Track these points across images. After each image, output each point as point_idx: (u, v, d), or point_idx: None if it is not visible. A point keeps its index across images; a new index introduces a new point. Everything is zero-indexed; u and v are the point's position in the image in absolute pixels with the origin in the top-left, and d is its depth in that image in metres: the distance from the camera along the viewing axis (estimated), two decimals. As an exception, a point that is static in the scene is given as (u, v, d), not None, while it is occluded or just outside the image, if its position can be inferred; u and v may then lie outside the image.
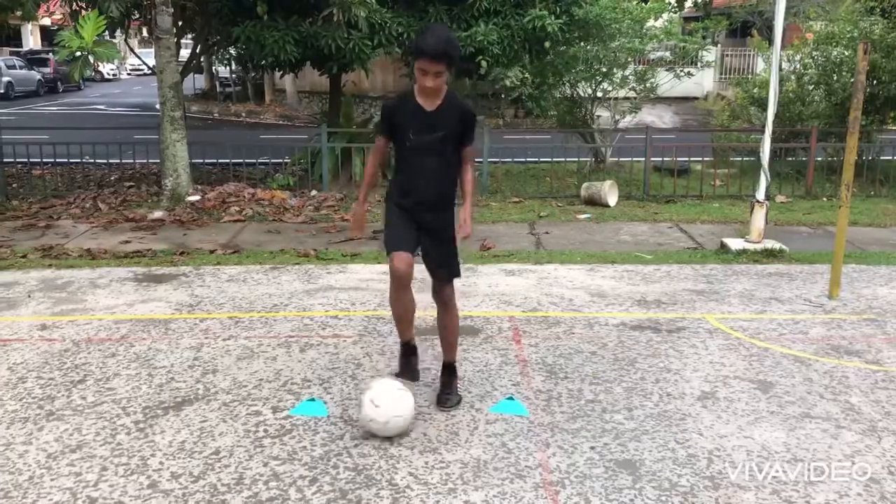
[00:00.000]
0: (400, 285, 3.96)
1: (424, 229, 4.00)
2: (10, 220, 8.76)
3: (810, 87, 11.80)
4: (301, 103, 25.54)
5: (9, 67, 28.21)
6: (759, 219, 7.40)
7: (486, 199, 10.03)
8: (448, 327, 4.18)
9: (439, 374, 4.25)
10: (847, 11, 12.05)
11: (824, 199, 10.17)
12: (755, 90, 12.14)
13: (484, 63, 10.21)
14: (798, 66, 11.87)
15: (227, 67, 28.13)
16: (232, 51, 15.59)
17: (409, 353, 4.29)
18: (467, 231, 3.92)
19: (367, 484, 3.37)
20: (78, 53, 7.88)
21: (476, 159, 10.74)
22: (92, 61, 8.30)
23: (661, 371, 4.59)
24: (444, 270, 4.07)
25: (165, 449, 3.65)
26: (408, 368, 4.29)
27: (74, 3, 10.13)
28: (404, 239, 3.94)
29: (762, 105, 11.14)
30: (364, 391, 3.85)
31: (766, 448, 3.70)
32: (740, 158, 11.55)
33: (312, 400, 4.14)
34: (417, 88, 3.91)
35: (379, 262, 7.01)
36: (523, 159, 11.75)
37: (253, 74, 26.77)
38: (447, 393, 4.15)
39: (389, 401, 3.72)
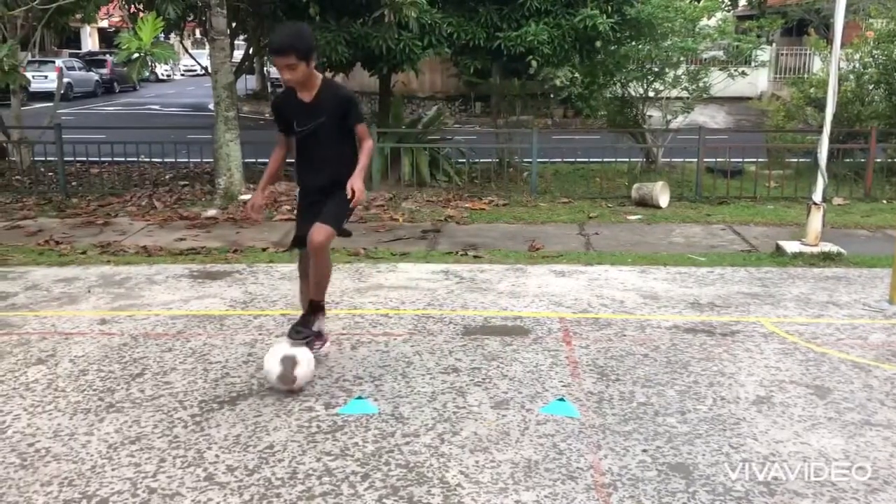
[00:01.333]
0: (314, 251, 4.31)
1: (311, 210, 4.37)
2: (71, 217, 9.02)
3: (870, 87, 11.52)
4: (351, 103, 25.73)
5: (68, 69, 28.99)
6: (815, 221, 7.24)
7: (534, 200, 10.00)
8: (313, 275, 4.43)
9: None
10: (909, 9, 11.72)
11: (884, 201, 9.92)
12: (811, 90, 11.89)
13: (534, 63, 10.18)
14: (857, 65, 11.58)
15: (279, 68, 28.48)
16: (283, 52, 15.80)
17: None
18: (357, 198, 4.17)
19: (419, 481, 3.38)
20: (136, 55, 8.06)
21: (525, 159, 10.75)
22: (150, 62, 8.49)
23: (715, 375, 4.52)
24: (321, 217, 4.28)
25: (221, 442, 3.72)
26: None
27: (133, 6, 10.39)
28: (302, 227, 4.38)
29: (818, 105, 10.91)
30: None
31: (824, 455, 3.62)
32: (795, 160, 11.33)
33: (360, 398, 4.17)
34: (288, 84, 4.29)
35: (427, 262, 7.05)
36: (572, 159, 11.70)
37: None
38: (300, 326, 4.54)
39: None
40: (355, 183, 4.18)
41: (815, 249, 7.15)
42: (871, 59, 11.45)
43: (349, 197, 4.17)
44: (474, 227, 8.63)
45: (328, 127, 4.28)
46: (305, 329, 4.52)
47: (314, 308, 4.55)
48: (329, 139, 4.31)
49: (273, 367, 4.18)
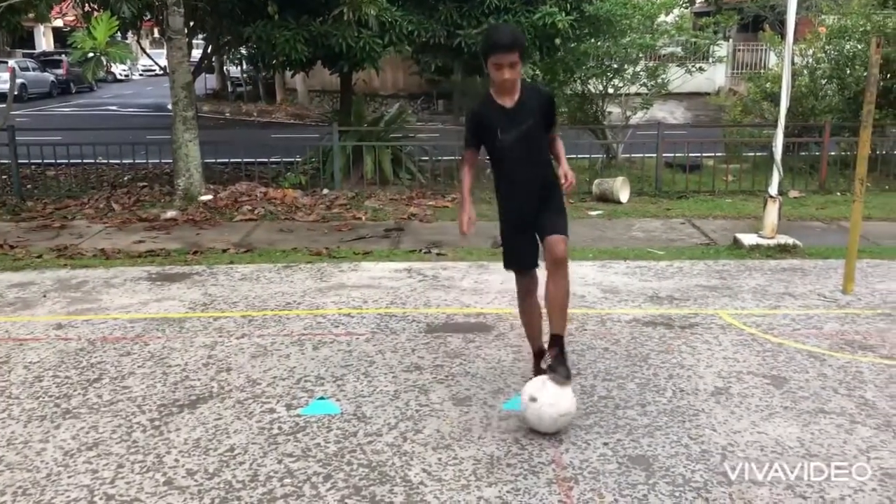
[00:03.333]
0: (522, 296, 4.20)
1: (536, 219, 4.02)
2: (26, 221, 8.84)
3: (823, 82, 11.74)
4: (312, 102, 25.61)
5: (22, 69, 28.39)
6: (772, 214, 7.37)
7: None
8: (554, 295, 3.95)
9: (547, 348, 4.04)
10: (860, 5, 11.97)
11: (838, 193, 10.12)
12: (767, 85, 12.09)
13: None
14: (811, 60, 11.81)
15: (238, 67, 28.23)
16: (243, 50, 15.64)
17: (539, 356, 4.17)
18: (571, 180, 3.99)
19: (381, 480, 3.38)
20: (91, 54, 7.90)
21: (486, 157, 10.80)
22: (105, 62, 8.33)
23: (674, 367, 4.58)
24: (551, 230, 3.98)
25: (181, 446, 3.68)
26: (557, 364, 3.89)
27: (87, 5, 10.20)
28: (521, 256, 4.12)
29: (774, 100, 11.08)
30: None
31: (781, 443, 3.69)
32: (753, 153, 11.51)
33: (322, 398, 4.15)
34: (495, 89, 3.91)
35: (390, 261, 7.03)
36: (534, 156, 11.73)
37: (264, 74, 26.82)
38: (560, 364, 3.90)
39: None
40: (568, 171, 3.99)
41: (772, 242, 7.27)
42: (823, 54, 11.67)
43: (564, 184, 3.99)
44: (438, 225, 8.63)
45: (532, 131, 3.93)
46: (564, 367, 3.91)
47: (559, 343, 3.94)
48: (533, 144, 3.97)
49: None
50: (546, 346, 4.06)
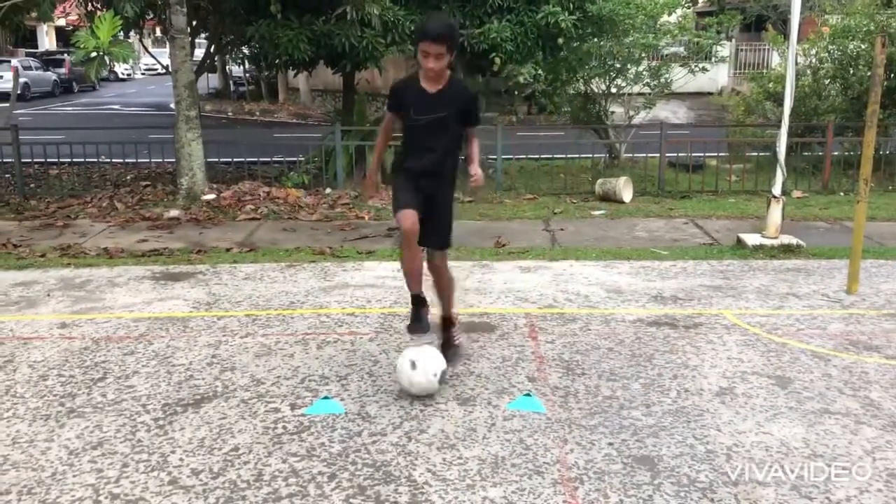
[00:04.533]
0: (408, 241, 4.21)
1: (426, 196, 4.25)
2: (29, 220, 8.84)
3: (826, 82, 11.73)
4: (314, 102, 25.62)
5: (25, 68, 28.41)
6: (775, 214, 7.36)
7: (499, 196, 10.02)
8: (443, 291, 4.54)
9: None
10: (864, 5, 11.95)
11: (841, 193, 10.10)
12: (770, 85, 12.08)
13: (497, 60, 10.20)
14: (814, 60, 11.79)
15: (241, 66, 28.23)
16: (245, 50, 15.63)
17: (419, 304, 4.42)
18: (478, 180, 4.28)
19: (386, 480, 3.38)
20: (94, 54, 7.91)
21: (490, 156, 10.80)
22: (108, 61, 8.34)
23: (679, 367, 4.58)
24: (438, 239, 4.41)
25: (185, 446, 3.67)
26: (417, 318, 4.41)
27: (90, 4, 10.21)
28: (410, 199, 4.21)
29: (777, 100, 11.09)
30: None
31: (786, 444, 3.68)
32: (756, 153, 11.50)
33: (326, 398, 4.15)
34: (422, 73, 4.17)
35: (394, 260, 7.01)
36: (537, 156, 11.76)
37: (266, 73, 26.82)
38: (447, 346, 4.55)
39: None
40: (477, 169, 4.30)
41: (776, 242, 7.27)
42: (826, 54, 11.66)
43: (471, 180, 4.28)
44: (440, 225, 8.61)
45: (444, 121, 4.21)
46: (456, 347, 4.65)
47: (451, 324, 4.65)
48: (442, 133, 4.24)
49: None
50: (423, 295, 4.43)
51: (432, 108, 4.18)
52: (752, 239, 7.38)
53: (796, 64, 7.47)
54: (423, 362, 4.09)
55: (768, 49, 23.28)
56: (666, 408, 4.06)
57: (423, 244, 4.35)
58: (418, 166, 4.27)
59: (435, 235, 4.38)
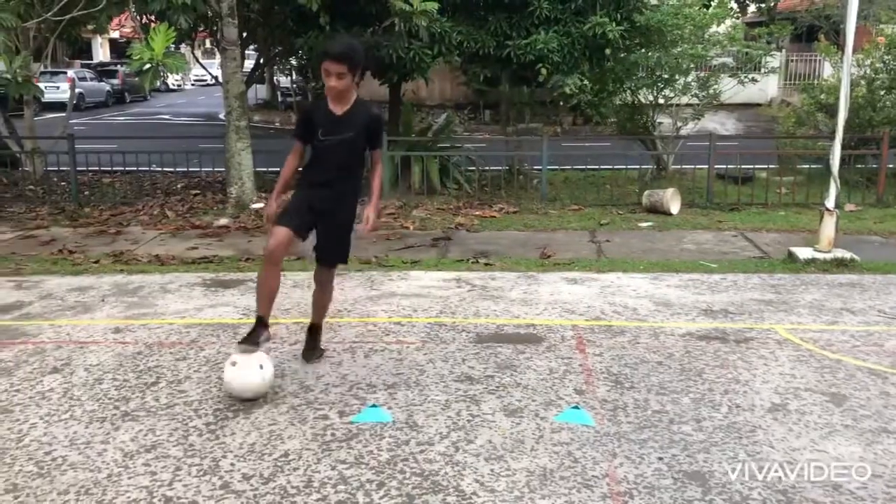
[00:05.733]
0: (270, 260, 4.32)
1: (320, 215, 4.40)
2: (83, 227, 9.06)
3: (882, 93, 11.46)
4: (360, 112, 25.80)
5: (80, 79, 29.18)
6: (828, 227, 7.21)
7: (545, 207, 9.99)
8: (320, 302, 4.76)
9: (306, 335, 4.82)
10: (920, 14, 11.68)
11: (896, 207, 9.86)
12: (822, 96, 11.86)
13: (543, 71, 10.18)
14: (868, 70, 11.54)
15: (288, 77, 28.62)
16: (293, 61, 15.87)
17: (261, 325, 4.37)
18: (370, 226, 4.44)
19: (434, 489, 3.38)
20: (148, 65, 8.11)
21: (535, 167, 10.76)
22: (161, 73, 8.54)
23: (730, 382, 4.51)
24: (329, 255, 4.59)
25: (236, 451, 3.73)
26: (255, 335, 4.33)
27: (145, 17, 10.46)
28: (290, 219, 4.33)
29: (829, 111, 10.88)
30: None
31: (842, 462, 3.60)
32: (807, 166, 11.28)
33: (374, 406, 4.17)
34: (328, 93, 4.33)
35: (439, 270, 7.05)
36: (582, 167, 11.69)
37: (313, 84, 27.15)
38: (311, 349, 4.80)
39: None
40: (371, 214, 4.44)
41: (828, 256, 7.12)
42: (881, 64, 11.41)
43: (360, 228, 4.46)
44: (485, 235, 8.63)
45: (351, 142, 4.38)
46: (316, 351, 4.89)
47: (318, 331, 4.91)
48: (349, 154, 4.42)
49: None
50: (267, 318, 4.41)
51: (339, 128, 4.31)
52: (803, 252, 7.24)
53: (850, 74, 7.32)
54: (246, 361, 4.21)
55: (819, 59, 22.85)
56: (717, 423, 3.99)
57: (317, 258, 4.59)
58: (316, 180, 4.41)
59: (329, 252, 4.56)
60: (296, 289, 6.43)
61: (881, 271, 6.88)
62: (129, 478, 3.48)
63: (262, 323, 4.35)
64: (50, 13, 9.67)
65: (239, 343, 4.37)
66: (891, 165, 10.50)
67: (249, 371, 4.19)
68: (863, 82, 11.48)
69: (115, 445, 3.78)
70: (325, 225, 4.46)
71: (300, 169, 4.60)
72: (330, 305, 4.90)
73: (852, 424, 3.99)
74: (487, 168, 11.60)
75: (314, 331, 4.85)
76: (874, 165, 10.62)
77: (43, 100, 13.25)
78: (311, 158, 4.51)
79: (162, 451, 3.73)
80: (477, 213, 9.72)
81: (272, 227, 4.36)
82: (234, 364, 4.21)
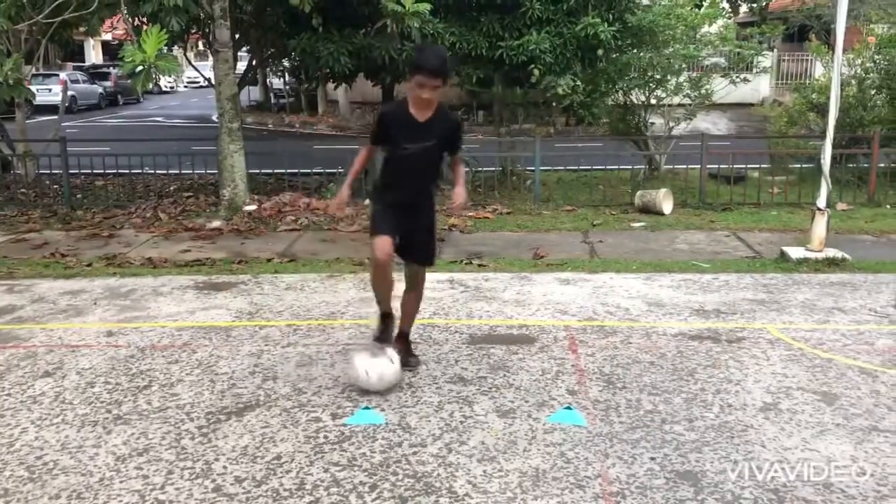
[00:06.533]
0: (380, 269, 4.35)
1: (407, 221, 4.38)
2: (76, 230, 9.04)
3: (872, 92, 11.51)
4: (353, 114, 25.81)
5: (72, 82, 29.10)
6: (820, 227, 7.24)
7: (538, 208, 10.00)
8: (410, 309, 4.75)
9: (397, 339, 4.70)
10: (911, 13, 11.74)
11: (888, 206, 9.90)
12: (814, 95, 11.89)
13: (536, 71, 10.20)
14: (859, 70, 11.58)
15: (281, 79, 28.60)
16: (286, 63, 15.88)
17: (388, 319, 4.62)
18: (461, 201, 4.43)
19: (427, 491, 3.38)
20: (141, 67, 8.09)
21: (528, 167, 10.77)
22: (154, 75, 8.51)
23: (722, 381, 4.52)
24: (423, 258, 4.60)
25: (228, 454, 3.72)
26: (386, 331, 4.60)
27: (136, 19, 10.43)
28: (387, 227, 4.32)
29: (821, 111, 10.91)
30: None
31: (833, 461, 3.61)
32: (799, 165, 11.32)
33: (367, 408, 4.18)
34: (412, 102, 4.24)
35: (432, 271, 7.02)
36: (575, 167, 11.71)
37: (306, 86, 27.15)
38: (410, 355, 4.75)
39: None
40: (461, 191, 4.42)
41: (820, 255, 7.14)
42: (872, 64, 11.45)
43: (454, 205, 4.46)
44: (478, 236, 8.64)
45: (433, 149, 4.35)
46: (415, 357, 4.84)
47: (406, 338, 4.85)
48: (430, 160, 4.39)
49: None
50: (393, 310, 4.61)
51: (422, 136, 4.25)
52: (795, 252, 7.27)
53: (841, 74, 7.36)
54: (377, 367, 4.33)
55: (811, 59, 22.95)
56: (709, 423, 4.01)
57: (408, 260, 4.58)
58: (401, 199, 4.38)
59: (422, 255, 4.60)
60: (289, 291, 6.42)
61: (872, 270, 6.91)
62: (121, 482, 3.48)
63: (389, 317, 4.56)
64: (41, 15, 9.64)
65: (375, 340, 4.55)
66: (881, 165, 10.54)
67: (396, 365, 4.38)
68: (853, 82, 11.52)
69: (107, 449, 3.77)
70: (414, 230, 4.44)
71: (384, 170, 4.48)
72: (418, 311, 4.87)
73: (843, 423, 4.00)
74: (481, 169, 11.61)
75: (405, 339, 4.77)
76: (865, 165, 10.66)
77: (35, 102, 13.17)
78: (391, 165, 4.42)
79: (154, 454, 3.72)
80: (470, 214, 9.72)
81: (374, 239, 4.32)
82: (392, 361, 4.35)
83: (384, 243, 4.26)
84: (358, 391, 4.40)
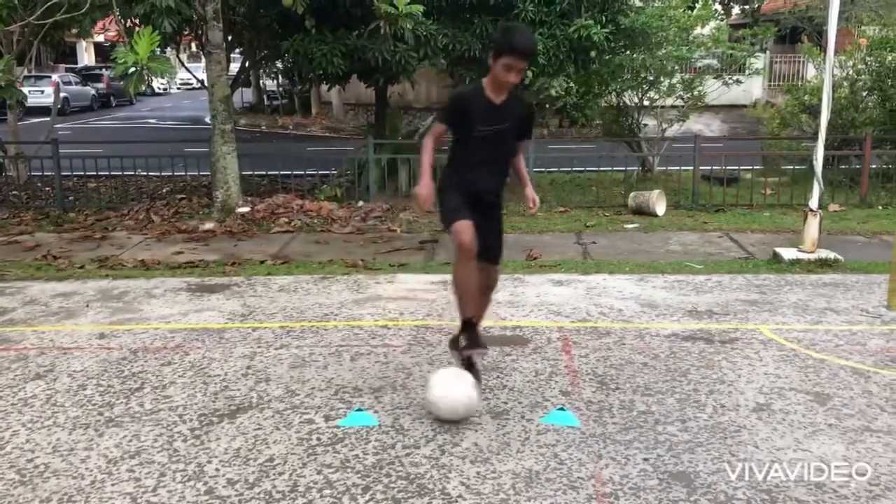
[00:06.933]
0: (468, 256, 4.02)
1: (484, 210, 4.17)
2: (68, 232, 9.01)
3: (864, 94, 11.56)
4: (347, 115, 25.81)
5: (65, 83, 29.00)
6: (812, 228, 7.26)
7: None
8: (486, 303, 4.51)
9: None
10: (902, 15, 11.78)
11: (879, 207, 9.95)
12: (806, 97, 11.92)
13: (529, 73, 10.20)
14: (851, 71, 11.63)
15: (274, 81, 28.55)
16: (279, 64, 15.84)
17: (472, 327, 4.25)
18: (537, 204, 4.41)
19: (420, 493, 3.38)
20: (133, 69, 8.06)
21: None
22: (146, 76, 8.49)
23: (715, 382, 4.53)
24: (498, 250, 4.39)
25: (221, 456, 3.71)
26: (477, 337, 4.25)
27: (129, 20, 10.40)
28: (467, 213, 4.05)
29: (813, 112, 10.95)
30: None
31: (825, 461, 3.62)
32: (791, 167, 11.36)
33: (360, 410, 4.17)
34: (491, 84, 4.08)
35: (426, 273, 7.05)
36: (569, 169, 11.72)
37: (300, 87, 27.10)
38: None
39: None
40: (534, 195, 4.39)
41: (813, 256, 7.16)
42: (864, 65, 11.49)
43: (533, 208, 4.43)
44: (472, 238, 8.62)
45: (507, 133, 4.17)
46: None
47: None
48: (504, 145, 4.21)
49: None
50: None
51: (497, 119, 4.08)
52: (788, 253, 7.29)
53: (833, 76, 7.38)
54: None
55: (803, 61, 23.04)
56: (702, 423, 4.01)
57: (487, 256, 4.23)
58: (478, 185, 4.16)
59: (497, 248, 4.36)
60: (282, 293, 6.41)
61: (864, 271, 6.93)
62: (113, 484, 3.46)
63: (473, 325, 4.23)
64: (33, 17, 9.61)
65: (464, 349, 4.23)
66: (873, 166, 10.59)
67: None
68: (845, 83, 11.57)
69: (99, 452, 3.75)
70: (490, 221, 4.24)
71: (455, 158, 4.26)
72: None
73: (836, 423, 4.01)
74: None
75: (473, 325, 4.31)
76: (857, 166, 10.71)
77: (27, 104, 13.12)
78: (463, 150, 4.20)
79: (146, 456, 3.71)
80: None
81: (455, 225, 4.00)
82: (474, 385, 4.02)
83: (467, 228, 3.97)
84: (351, 392, 4.39)
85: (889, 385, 4.47)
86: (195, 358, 4.97)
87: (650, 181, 11.65)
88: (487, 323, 5.57)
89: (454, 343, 4.43)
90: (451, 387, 3.99)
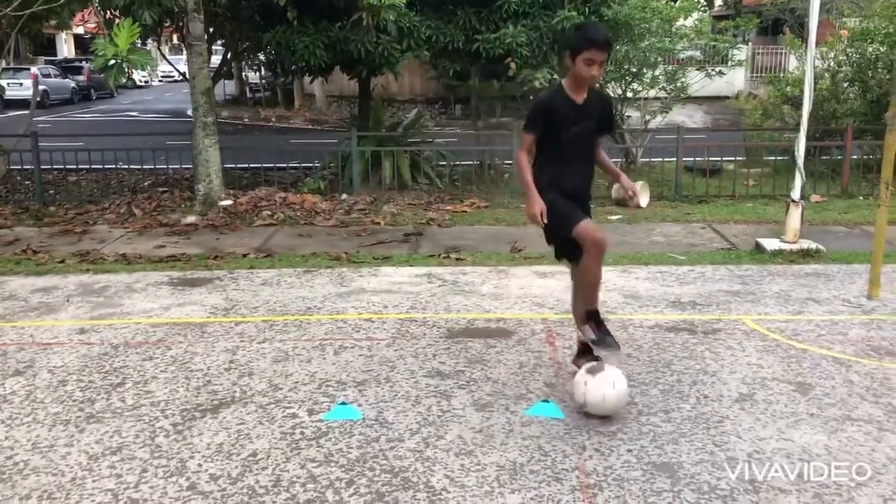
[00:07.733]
0: (602, 252, 4.07)
1: (582, 208, 4.20)
2: (48, 226, 8.91)
3: (845, 85, 11.63)
4: (330, 107, 25.70)
5: (44, 76, 28.68)
6: (794, 218, 7.30)
7: (515, 201, 9.99)
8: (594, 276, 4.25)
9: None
10: (883, 7, 11.84)
11: (860, 197, 10.01)
12: (788, 88, 11.99)
13: (513, 65, 10.19)
14: (832, 63, 11.70)
15: (257, 73, 28.38)
16: (262, 56, 15.72)
17: (600, 319, 4.19)
18: (637, 192, 4.41)
19: (404, 486, 3.37)
20: (113, 61, 7.97)
21: (506, 161, 10.77)
22: (126, 69, 8.40)
23: (698, 373, 4.54)
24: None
25: (203, 451, 3.68)
26: (608, 332, 4.15)
27: (108, 12, 10.29)
28: (580, 212, 4.09)
29: (795, 103, 11.01)
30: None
31: (807, 451, 3.64)
32: (773, 158, 11.41)
33: (343, 404, 4.15)
34: (573, 83, 4.08)
35: (410, 265, 7.03)
36: (553, 161, 11.71)
37: (282, 79, 26.96)
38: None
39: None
40: (630, 184, 4.31)
41: (795, 247, 7.21)
42: (845, 57, 11.56)
43: (634, 199, 4.50)
44: (456, 230, 8.63)
45: (591, 131, 4.17)
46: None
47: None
48: (589, 142, 4.20)
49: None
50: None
51: (581, 118, 4.08)
52: (770, 244, 7.33)
53: (814, 67, 7.41)
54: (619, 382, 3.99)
55: (785, 52, 23.14)
56: (685, 414, 4.02)
57: (570, 256, 4.29)
58: (572, 185, 4.16)
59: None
60: (265, 287, 6.37)
61: (846, 261, 6.98)
62: (94, 481, 3.43)
63: (600, 317, 4.17)
64: (9, 8, 9.47)
65: (600, 347, 4.10)
66: (854, 157, 10.66)
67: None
68: (826, 75, 11.64)
69: (80, 448, 3.72)
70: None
71: (543, 165, 4.17)
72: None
73: (817, 413, 4.04)
74: (459, 163, 11.60)
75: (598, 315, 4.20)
76: (839, 157, 10.78)
77: (5, 97, 12.98)
78: (552, 154, 4.14)
79: (128, 452, 3.67)
80: (448, 207, 9.71)
81: (578, 227, 4.00)
82: (615, 385, 3.93)
83: (591, 224, 4.05)
84: (335, 386, 4.37)
85: (869, 374, 4.51)
86: (177, 352, 4.93)
87: (633, 173, 11.65)
88: (472, 315, 5.58)
89: (583, 351, 4.38)
90: (616, 385, 3.95)
